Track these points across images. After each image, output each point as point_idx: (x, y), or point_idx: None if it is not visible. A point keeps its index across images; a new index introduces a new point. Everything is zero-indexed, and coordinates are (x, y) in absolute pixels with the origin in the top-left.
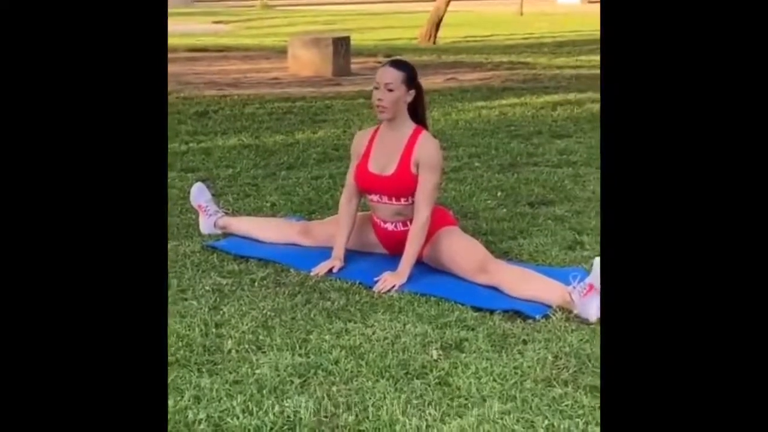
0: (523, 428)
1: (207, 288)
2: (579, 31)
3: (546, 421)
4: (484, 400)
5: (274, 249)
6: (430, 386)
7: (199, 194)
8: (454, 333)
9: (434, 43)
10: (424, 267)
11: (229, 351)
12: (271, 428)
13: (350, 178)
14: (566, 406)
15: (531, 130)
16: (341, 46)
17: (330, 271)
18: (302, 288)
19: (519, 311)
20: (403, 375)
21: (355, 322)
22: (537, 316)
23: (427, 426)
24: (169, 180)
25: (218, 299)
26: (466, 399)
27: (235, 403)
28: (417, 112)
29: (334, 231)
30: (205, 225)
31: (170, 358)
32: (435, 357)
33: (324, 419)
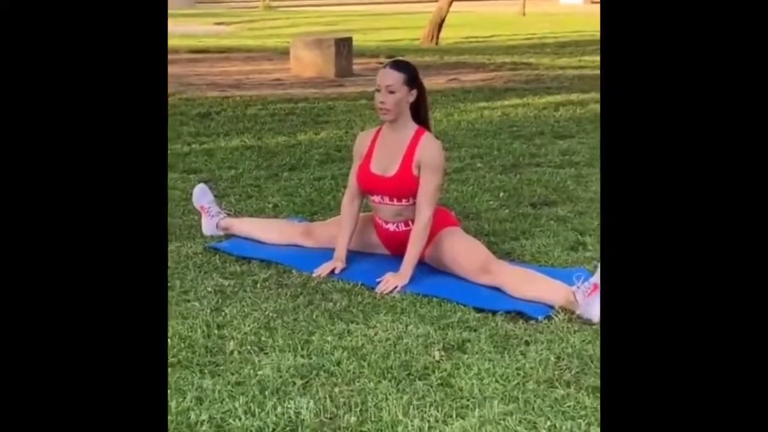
0: (526, 429)
1: (209, 289)
2: (581, 32)
3: (548, 423)
4: (486, 401)
5: (277, 250)
6: (432, 387)
7: (202, 196)
8: (456, 334)
9: (436, 43)
10: (426, 268)
11: (231, 352)
12: (273, 429)
13: (352, 179)
14: (568, 407)
15: (533, 131)
16: (343, 47)
17: (332, 272)
18: (304, 289)
19: (521, 312)
20: (405, 376)
21: (357, 323)
22: (539, 317)
23: (429, 427)
24: (171, 181)
25: (220, 300)
26: (468, 400)
27: (237, 405)
28: (420, 111)
29: (336, 232)
30: (208, 226)
31: (172, 360)
32: (437, 358)
33: (326, 420)
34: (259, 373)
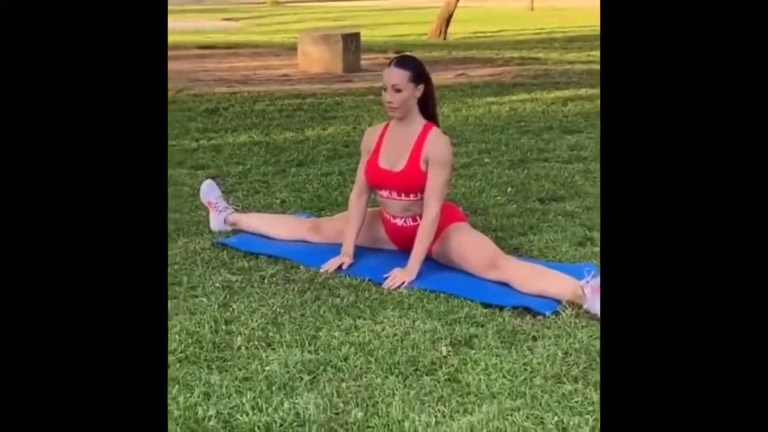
0: (533, 425)
1: (217, 285)
2: (590, 26)
3: (555, 418)
4: (494, 397)
5: (284, 246)
6: (439, 383)
7: (209, 191)
8: (463, 329)
9: (444, 39)
10: (434, 263)
11: (239, 348)
12: (281, 425)
13: (360, 174)
14: (576, 402)
15: (541, 126)
16: (351, 42)
17: (339, 267)
18: (312, 285)
19: (528, 307)
20: (413, 371)
21: (365, 319)
22: (547, 313)
23: (437, 422)
24: (179, 177)
25: (228, 296)
26: (476, 395)
27: (244, 400)
28: (427, 106)
29: (344, 227)
30: (216, 222)
31: (180, 355)
32: (444, 353)
33: (333, 416)
34: (267, 368)
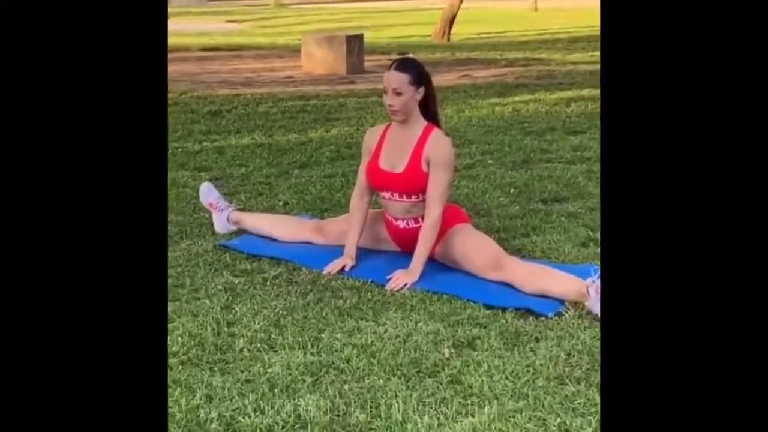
0: (536, 426)
1: (219, 287)
2: (593, 27)
3: (558, 419)
4: (497, 398)
5: (287, 248)
6: (442, 384)
7: (209, 193)
8: (466, 331)
9: (448, 40)
10: (436, 265)
11: (241, 350)
12: (283, 427)
13: (361, 176)
14: (579, 404)
15: (544, 127)
16: (355, 43)
17: (342, 269)
18: (314, 286)
19: (531, 309)
20: (415, 373)
21: (367, 321)
22: (549, 314)
23: (439, 424)
24: (182, 179)
25: (230, 298)
26: (479, 397)
27: (246, 402)
28: (429, 107)
29: (347, 229)
30: (220, 223)
31: (182, 357)
32: (447, 355)
33: (335, 418)
34: (269, 370)
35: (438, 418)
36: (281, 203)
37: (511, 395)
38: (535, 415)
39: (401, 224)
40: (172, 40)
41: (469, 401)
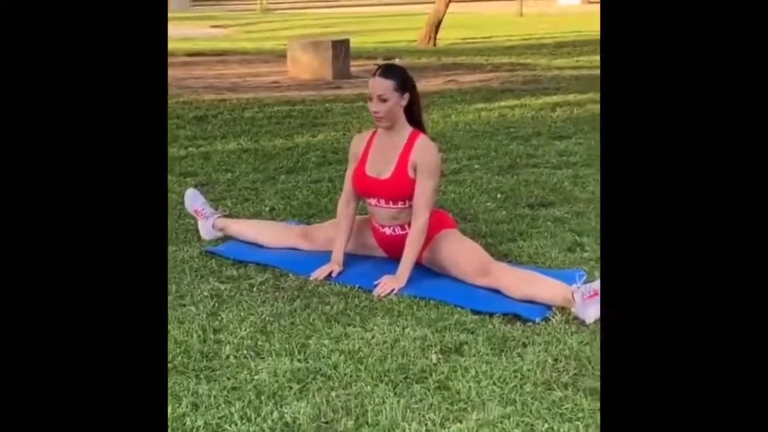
0: None
1: (205, 293)
2: (579, 32)
3: (546, 425)
4: (484, 404)
5: (273, 254)
6: (429, 390)
7: (194, 199)
8: (453, 336)
9: (434, 45)
10: (424, 270)
11: (228, 357)
12: None
13: (348, 182)
14: (566, 409)
15: (530, 132)
16: (341, 49)
17: (329, 275)
18: (301, 292)
19: (518, 314)
20: (403, 379)
21: (355, 327)
22: (536, 319)
23: (427, 430)
24: (168, 185)
25: (217, 305)
26: (466, 403)
27: (233, 410)
28: (413, 114)
29: (333, 235)
30: (205, 229)
31: (168, 365)
32: (434, 361)
33: (323, 425)
34: (256, 377)
35: (426, 425)
36: (267, 209)
37: (499, 401)
38: (522, 421)
39: (388, 231)
40: None
41: (456, 407)
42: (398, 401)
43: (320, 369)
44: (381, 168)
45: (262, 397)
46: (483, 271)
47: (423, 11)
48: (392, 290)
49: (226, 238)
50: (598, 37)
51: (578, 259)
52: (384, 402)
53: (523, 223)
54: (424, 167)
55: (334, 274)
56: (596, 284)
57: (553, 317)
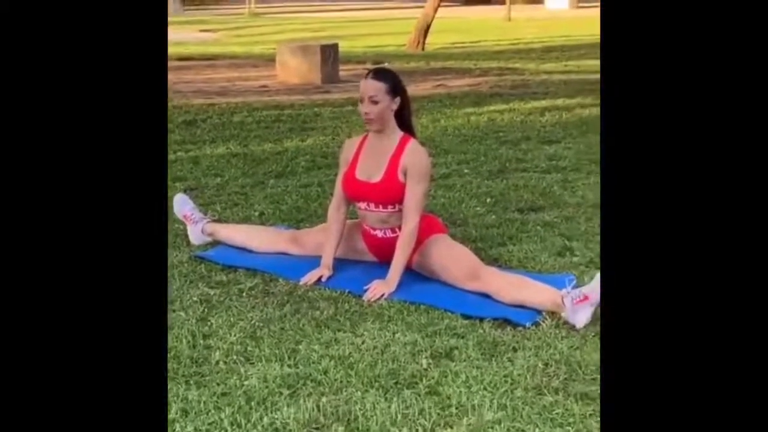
0: None
1: (195, 299)
2: (567, 36)
3: (537, 430)
4: (475, 409)
5: (263, 258)
6: (420, 396)
7: (183, 204)
8: (443, 341)
9: (422, 49)
10: (414, 275)
11: (217, 362)
12: None
13: (338, 186)
14: (557, 414)
15: (520, 136)
16: (329, 53)
17: (319, 280)
18: (291, 297)
19: (508, 319)
20: (393, 384)
21: (345, 332)
22: (527, 324)
23: None
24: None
25: (206, 310)
26: (457, 408)
27: (223, 416)
28: (404, 119)
29: (323, 239)
30: (194, 234)
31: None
32: (425, 366)
33: (313, 430)
34: (246, 383)
35: (416, 430)
36: (257, 214)
37: (490, 406)
38: (513, 426)
39: (378, 234)
40: None
41: (447, 412)
42: (389, 407)
43: (310, 374)
44: (371, 172)
45: (252, 403)
46: (473, 275)
47: (412, 16)
48: (382, 295)
49: (216, 243)
50: (587, 42)
51: (568, 263)
52: (374, 407)
53: (513, 227)
54: (414, 171)
55: (323, 279)
56: (586, 289)
57: (543, 322)
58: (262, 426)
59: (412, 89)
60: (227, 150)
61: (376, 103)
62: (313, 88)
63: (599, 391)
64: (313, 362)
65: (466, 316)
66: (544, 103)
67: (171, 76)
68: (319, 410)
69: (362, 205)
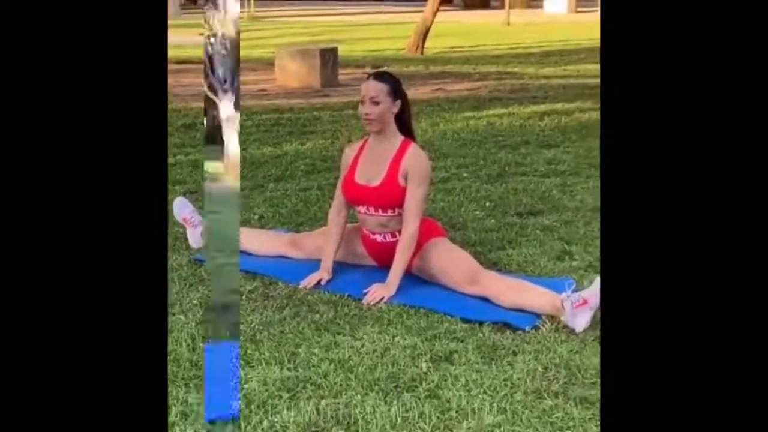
0: None
1: (194, 302)
2: (566, 41)
3: None
4: (475, 413)
5: (262, 262)
6: (419, 399)
7: (183, 207)
8: (443, 345)
9: (422, 53)
10: (413, 279)
11: None
12: None
13: (339, 190)
14: (557, 417)
15: (519, 140)
16: (329, 57)
17: (318, 283)
18: (290, 301)
19: (508, 323)
20: (393, 388)
21: (344, 335)
22: (526, 328)
23: None
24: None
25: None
26: (457, 412)
27: None
28: (404, 122)
29: (323, 243)
30: (194, 238)
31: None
32: (424, 369)
33: None
34: (245, 386)
35: None
36: (256, 217)
37: (489, 409)
38: (513, 430)
39: (378, 238)
40: None
41: (447, 416)
42: (388, 410)
43: (310, 378)
44: (371, 175)
45: (252, 406)
46: (472, 279)
47: (411, 20)
48: (382, 298)
49: None
50: (586, 46)
51: (567, 267)
52: (374, 411)
53: (512, 231)
54: (414, 175)
55: (323, 282)
56: (585, 293)
57: (543, 326)
58: (262, 429)
59: (412, 93)
60: None
61: (377, 104)
62: (312, 92)
63: (599, 395)
64: (313, 365)
65: (465, 320)
66: (543, 107)
67: (170, 80)
68: (318, 414)
69: (362, 208)
